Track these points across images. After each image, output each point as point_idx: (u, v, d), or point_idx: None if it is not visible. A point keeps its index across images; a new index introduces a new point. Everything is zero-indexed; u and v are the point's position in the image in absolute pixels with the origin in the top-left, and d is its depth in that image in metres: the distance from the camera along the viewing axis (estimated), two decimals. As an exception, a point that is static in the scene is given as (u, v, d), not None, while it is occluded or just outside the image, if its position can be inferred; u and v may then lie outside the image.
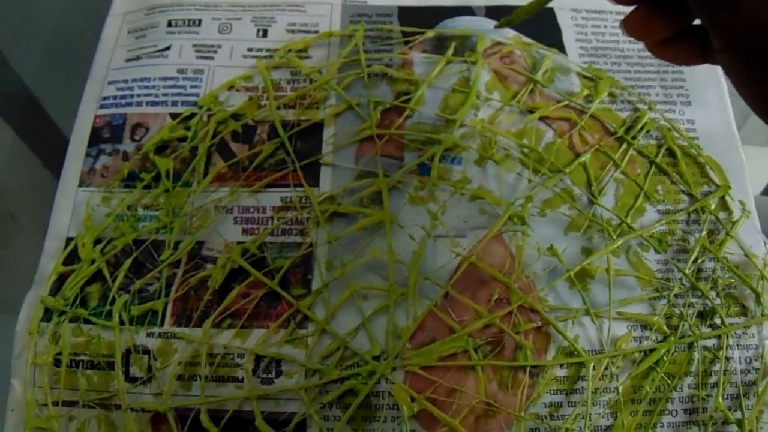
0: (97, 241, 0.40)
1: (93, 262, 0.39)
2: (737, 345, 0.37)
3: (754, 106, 0.26)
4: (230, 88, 0.44)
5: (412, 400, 0.35)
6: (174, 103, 0.44)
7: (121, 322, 0.38)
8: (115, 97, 0.44)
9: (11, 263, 0.49)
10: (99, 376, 0.37)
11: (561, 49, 0.45)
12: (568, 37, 0.46)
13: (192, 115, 0.43)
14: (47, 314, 0.38)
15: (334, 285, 0.38)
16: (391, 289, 0.37)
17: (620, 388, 0.36)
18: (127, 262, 0.39)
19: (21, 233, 0.50)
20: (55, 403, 0.37)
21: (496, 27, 0.43)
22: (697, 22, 0.29)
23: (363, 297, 0.38)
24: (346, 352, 0.36)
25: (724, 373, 0.37)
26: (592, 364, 0.36)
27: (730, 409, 0.36)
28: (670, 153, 0.42)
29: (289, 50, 0.45)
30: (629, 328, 0.37)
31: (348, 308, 0.37)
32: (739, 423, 0.36)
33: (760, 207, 0.41)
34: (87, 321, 0.38)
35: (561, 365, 0.36)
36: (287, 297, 0.38)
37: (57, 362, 0.37)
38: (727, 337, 0.37)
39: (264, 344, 0.37)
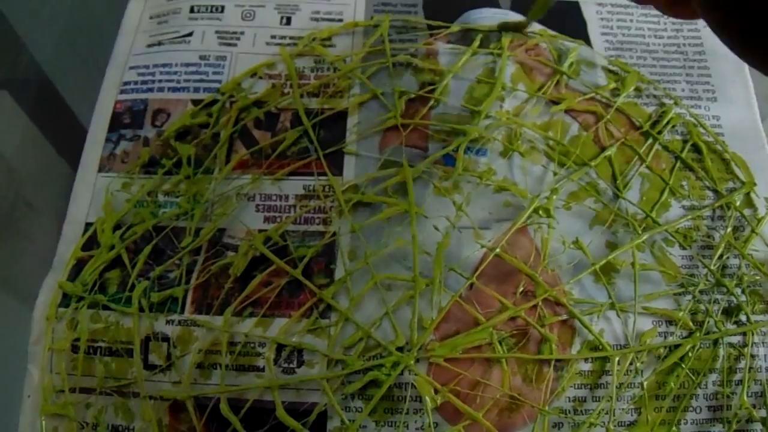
0: (116, 227, 0.40)
1: (112, 247, 0.39)
2: (762, 342, 0.37)
3: (733, 48, 0.25)
4: (253, 75, 0.44)
5: (436, 392, 0.35)
6: (196, 90, 0.44)
7: (141, 309, 0.37)
8: (136, 83, 0.44)
9: (27, 250, 0.48)
10: (117, 363, 0.36)
11: (587, 42, 0.45)
12: (594, 30, 0.46)
13: (214, 102, 0.43)
14: (65, 300, 0.38)
15: (357, 275, 0.38)
16: (416, 280, 0.37)
17: (645, 384, 0.36)
18: (147, 249, 0.39)
19: (37, 220, 0.49)
20: (72, 390, 0.36)
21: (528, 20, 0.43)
22: None
23: (387, 287, 0.37)
24: (369, 343, 0.36)
25: (749, 371, 0.36)
26: (617, 359, 0.36)
27: (754, 407, 0.36)
28: (696, 149, 0.42)
29: (314, 38, 0.45)
30: (654, 323, 0.37)
31: (371, 298, 0.37)
32: (764, 421, 0.36)
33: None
34: (106, 307, 0.38)
35: (586, 359, 0.36)
36: (310, 286, 0.37)
37: (75, 348, 0.37)
38: (753, 334, 0.37)
39: (286, 333, 0.36)
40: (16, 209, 0.49)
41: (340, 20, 0.46)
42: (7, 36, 0.51)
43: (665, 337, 0.37)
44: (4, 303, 0.45)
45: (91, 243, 0.39)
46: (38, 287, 0.39)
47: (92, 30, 0.54)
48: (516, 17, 0.46)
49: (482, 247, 0.38)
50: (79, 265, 0.39)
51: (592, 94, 0.43)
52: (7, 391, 0.38)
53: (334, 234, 0.39)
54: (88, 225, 0.40)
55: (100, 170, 0.42)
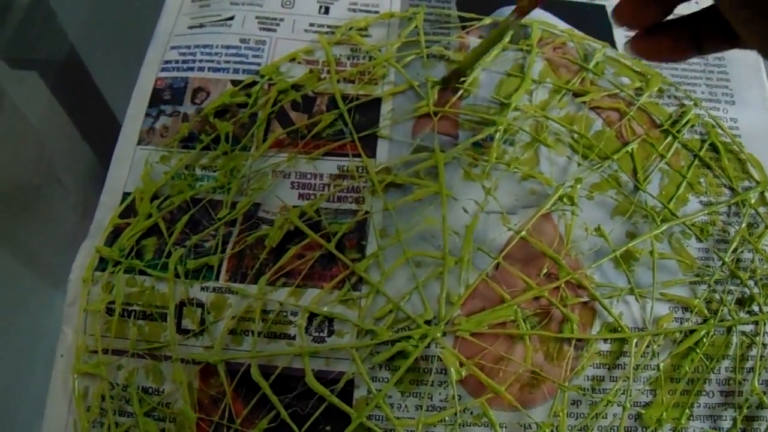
0: (153, 197, 0.41)
1: (149, 216, 0.40)
2: (774, 333, 0.39)
3: None
4: (292, 60, 0.45)
5: (461, 365, 0.36)
6: (236, 71, 0.45)
7: (176, 275, 0.38)
8: (177, 62, 0.45)
9: (54, 226, 0.49)
10: (150, 327, 0.37)
11: (612, 45, 0.47)
12: (619, 33, 0.48)
13: (253, 83, 0.44)
14: (101, 264, 0.39)
15: (387, 252, 0.39)
16: (446, 257, 0.38)
17: (661, 366, 0.37)
18: (184, 219, 0.40)
19: (66, 197, 0.50)
20: (105, 351, 0.37)
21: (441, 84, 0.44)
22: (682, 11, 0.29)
23: (417, 264, 0.38)
24: (398, 315, 0.37)
25: (761, 359, 0.38)
26: (634, 341, 0.37)
27: (765, 394, 0.37)
28: (713, 148, 0.44)
29: (351, 28, 0.47)
30: (671, 309, 0.39)
31: (402, 273, 0.38)
32: (774, 407, 0.37)
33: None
34: (142, 272, 0.39)
35: (605, 340, 0.38)
36: (343, 259, 0.38)
37: (109, 311, 0.38)
38: (765, 323, 0.38)
39: (318, 303, 0.38)
40: (47, 184, 0.50)
41: (377, 11, 0.48)
42: (45, 15, 0.52)
43: (681, 323, 0.38)
44: (28, 277, 0.46)
45: (128, 212, 0.41)
46: (61, 263, 0.40)
47: (125, 12, 0.55)
48: (545, 16, 0.47)
49: (509, 230, 0.40)
50: (115, 233, 0.40)
51: (617, 91, 0.44)
52: (34, 360, 0.39)
53: (367, 212, 0.40)
54: (125, 195, 0.41)
55: (139, 143, 0.43)
